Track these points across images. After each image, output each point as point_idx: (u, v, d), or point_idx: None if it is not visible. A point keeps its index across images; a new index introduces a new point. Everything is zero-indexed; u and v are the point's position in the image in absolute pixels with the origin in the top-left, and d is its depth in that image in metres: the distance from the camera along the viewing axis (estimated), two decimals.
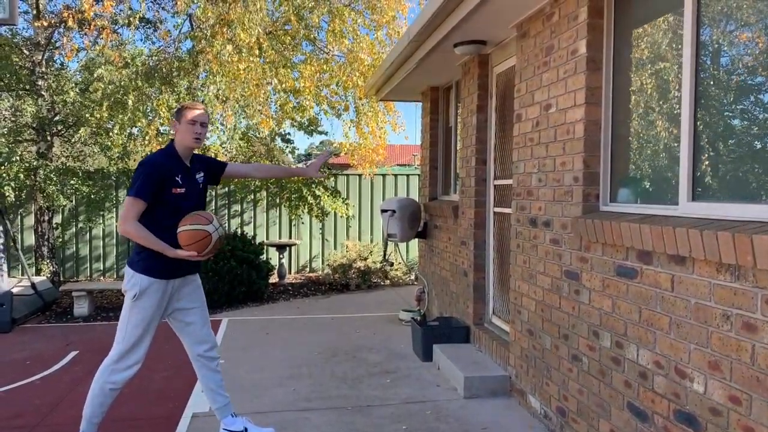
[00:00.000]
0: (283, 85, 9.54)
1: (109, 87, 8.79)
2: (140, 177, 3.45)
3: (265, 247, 9.92)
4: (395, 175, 12.44)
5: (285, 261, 11.23)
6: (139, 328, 3.53)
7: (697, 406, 2.62)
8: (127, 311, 3.55)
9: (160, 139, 9.32)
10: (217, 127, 9.30)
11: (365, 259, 10.53)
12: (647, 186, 3.30)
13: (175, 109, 3.66)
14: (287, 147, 11.38)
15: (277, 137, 10.72)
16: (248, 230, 11.28)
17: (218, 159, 3.94)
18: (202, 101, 9.19)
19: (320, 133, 11.25)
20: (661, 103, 3.19)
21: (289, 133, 10.82)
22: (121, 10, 9.45)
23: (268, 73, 9.13)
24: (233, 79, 8.67)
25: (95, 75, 9.21)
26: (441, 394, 4.81)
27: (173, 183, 3.53)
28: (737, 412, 2.39)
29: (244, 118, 9.71)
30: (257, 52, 8.79)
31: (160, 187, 3.47)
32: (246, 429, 3.87)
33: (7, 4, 5.68)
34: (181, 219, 3.52)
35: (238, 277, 8.72)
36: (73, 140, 10.81)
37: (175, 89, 8.87)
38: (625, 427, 3.17)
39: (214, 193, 11.57)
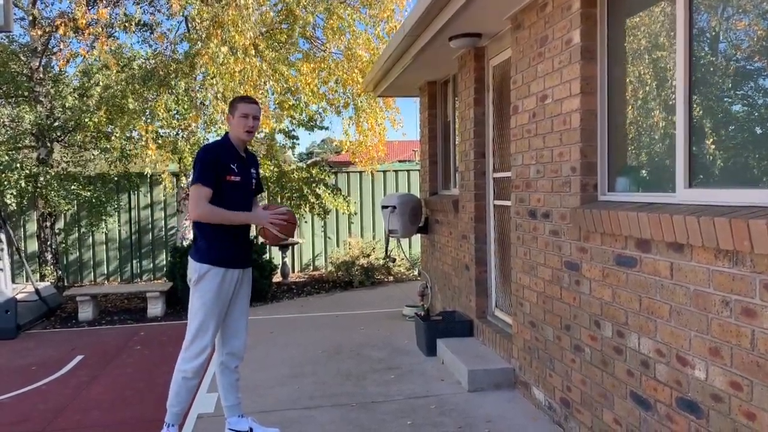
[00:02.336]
0: (281, 84, 9.53)
1: (107, 91, 8.80)
2: (198, 163, 3.56)
3: (267, 246, 9.92)
4: (396, 171, 12.44)
5: (288, 260, 11.25)
6: (200, 312, 3.60)
7: (699, 393, 2.62)
8: (191, 298, 3.65)
9: (160, 141, 9.33)
10: (219, 128, 9.30)
11: (368, 255, 10.53)
12: (645, 174, 3.29)
13: (229, 103, 3.80)
14: (290, 143, 11.35)
15: (280, 133, 10.71)
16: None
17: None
18: (201, 103, 9.20)
19: (321, 128, 11.24)
20: (656, 91, 3.18)
21: (293, 129, 10.79)
22: (116, 15, 9.46)
23: (265, 74, 9.12)
24: (230, 80, 8.67)
25: (92, 81, 9.22)
26: (445, 388, 4.81)
27: (228, 170, 3.62)
28: (738, 398, 2.39)
29: None
30: (253, 52, 8.78)
31: (218, 174, 3.56)
32: (251, 429, 3.89)
33: (1, 11, 5.69)
34: (238, 210, 3.65)
35: None
36: (72, 145, 10.82)
37: (173, 91, 8.87)
38: (629, 416, 3.17)
39: None
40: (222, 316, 3.70)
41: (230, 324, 3.82)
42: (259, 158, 10.16)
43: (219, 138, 3.83)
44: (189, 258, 3.71)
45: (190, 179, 3.70)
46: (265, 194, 11.53)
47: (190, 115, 8.95)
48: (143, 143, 9.22)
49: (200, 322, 3.60)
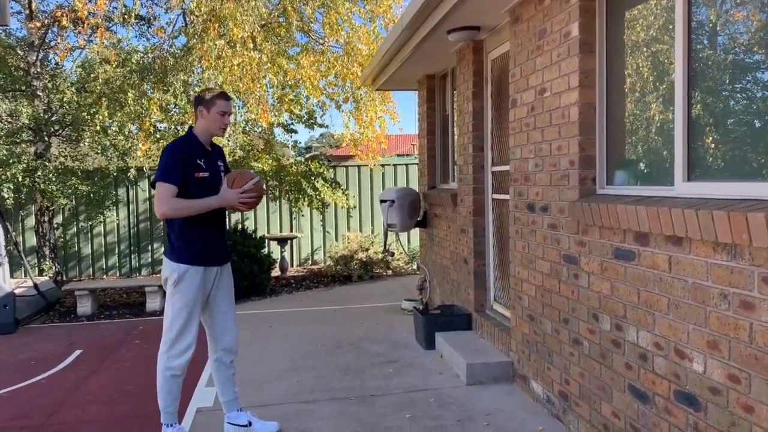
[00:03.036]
0: (281, 77, 9.51)
1: (107, 86, 8.77)
2: (163, 161, 3.51)
3: (266, 240, 9.93)
4: (394, 165, 12.43)
5: (287, 254, 11.25)
6: (183, 312, 3.59)
7: (697, 386, 2.62)
8: (169, 299, 3.62)
9: (158, 136, 9.31)
10: None
11: (367, 249, 10.54)
12: (643, 168, 3.29)
13: (203, 95, 3.67)
14: (290, 138, 11.33)
15: (278, 127, 10.69)
16: (249, 224, 11.28)
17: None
18: None
19: (320, 126, 11.24)
20: (655, 84, 3.17)
21: (291, 123, 10.75)
22: (115, 8, 9.42)
23: (264, 66, 9.09)
24: (228, 74, 8.65)
25: (92, 75, 9.19)
26: (444, 381, 4.82)
27: (196, 166, 3.58)
28: (736, 391, 2.39)
29: (246, 112, 9.67)
30: (251, 45, 8.75)
31: (184, 170, 3.52)
32: (250, 423, 3.89)
33: None
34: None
35: (240, 272, 8.70)
36: (70, 140, 10.80)
37: (171, 86, 8.84)
38: (627, 409, 3.17)
39: None
40: (201, 310, 3.71)
41: (218, 320, 3.80)
42: (256, 151, 10.16)
43: (182, 135, 3.76)
44: (165, 258, 3.67)
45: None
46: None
47: (189, 109, 8.93)
48: (137, 140, 9.20)
49: (184, 321, 3.60)
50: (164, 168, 3.49)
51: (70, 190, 10.04)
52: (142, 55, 9.50)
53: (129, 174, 10.70)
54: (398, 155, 21.34)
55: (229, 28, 8.35)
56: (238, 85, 8.86)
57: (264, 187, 3.69)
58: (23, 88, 10.32)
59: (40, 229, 10.43)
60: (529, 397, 4.39)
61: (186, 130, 3.92)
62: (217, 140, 4.42)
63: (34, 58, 10.25)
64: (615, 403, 3.29)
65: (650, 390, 2.97)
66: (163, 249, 11.61)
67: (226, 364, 3.85)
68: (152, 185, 3.68)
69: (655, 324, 2.90)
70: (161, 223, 11.68)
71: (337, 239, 11.91)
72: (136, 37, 11.21)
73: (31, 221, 11.10)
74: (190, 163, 3.55)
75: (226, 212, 3.83)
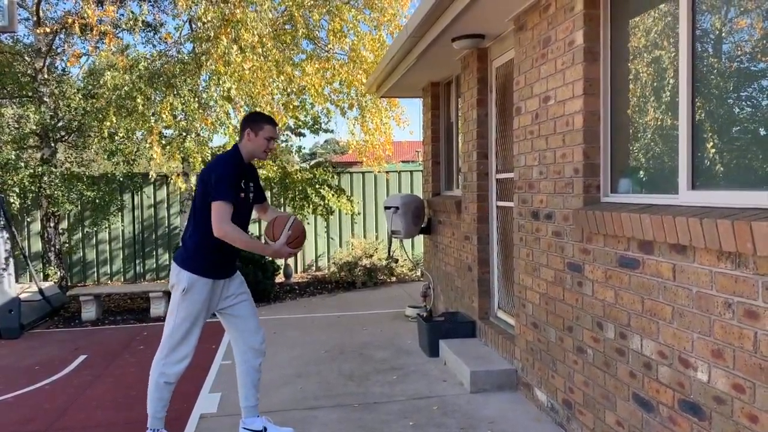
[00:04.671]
0: (290, 85, 9.55)
1: (115, 93, 8.81)
2: (223, 180, 3.53)
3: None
4: (399, 172, 12.43)
5: (291, 260, 11.25)
6: (186, 322, 3.62)
7: (701, 395, 2.62)
8: (175, 306, 3.63)
9: (163, 142, 9.34)
10: (228, 127, 9.31)
11: (371, 256, 10.54)
12: (647, 176, 3.29)
13: (253, 117, 3.75)
14: (295, 144, 11.39)
15: (287, 132, 10.72)
16: (253, 230, 11.30)
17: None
18: (206, 103, 9.20)
19: (326, 131, 11.27)
20: (659, 92, 3.18)
21: (300, 126, 10.79)
22: (122, 15, 9.48)
23: (274, 71, 9.13)
24: (239, 79, 8.69)
25: (101, 81, 9.23)
26: (447, 389, 4.81)
27: (242, 187, 3.68)
28: (741, 400, 2.38)
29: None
30: (260, 50, 8.80)
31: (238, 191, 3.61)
32: (265, 428, 3.90)
33: (6, 12, 5.72)
34: (242, 224, 3.66)
35: (244, 278, 8.72)
36: (77, 146, 10.84)
37: (179, 92, 8.88)
38: (631, 417, 3.17)
39: None
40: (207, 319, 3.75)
41: (244, 324, 3.84)
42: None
43: (229, 150, 3.79)
44: (174, 263, 3.68)
45: (195, 181, 3.69)
46: (268, 194, 11.58)
47: (198, 116, 8.96)
48: (148, 144, 9.23)
49: (187, 330, 3.62)
50: (224, 188, 3.51)
51: (75, 196, 10.08)
52: (149, 61, 9.56)
53: (136, 179, 10.74)
54: (402, 162, 21.38)
55: (240, 33, 8.40)
56: (249, 89, 8.89)
57: (300, 222, 3.78)
58: (30, 94, 10.38)
59: (46, 235, 10.47)
60: (533, 405, 4.37)
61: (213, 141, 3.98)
62: None
63: (42, 64, 10.31)
64: (619, 411, 3.28)
65: (654, 399, 2.96)
66: (167, 255, 11.64)
67: (255, 368, 3.87)
68: (201, 201, 3.70)
69: (659, 332, 2.90)
70: (165, 229, 11.71)
71: (341, 245, 11.92)
72: (142, 44, 11.29)
73: (36, 226, 11.14)
74: (239, 184, 3.65)
75: (248, 225, 3.88)
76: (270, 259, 9.55)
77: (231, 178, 3.56)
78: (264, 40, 8.82)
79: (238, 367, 3.89)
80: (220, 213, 3.50)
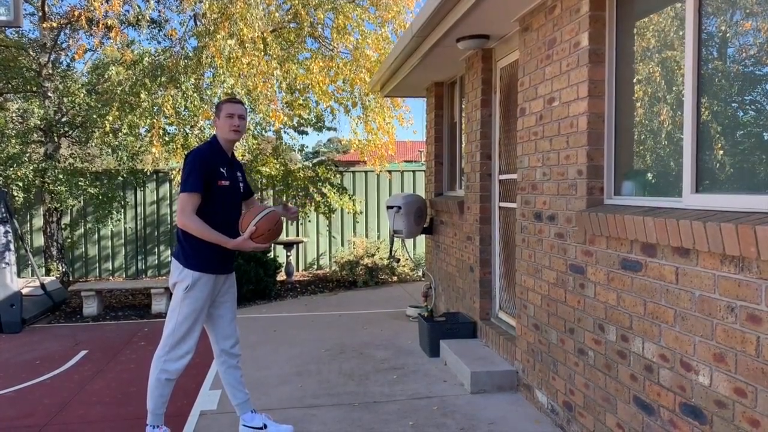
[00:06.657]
0: (290, 82, 9.54)
1: (119, 88, 8.82)
2: (189, 170, 3.53)
3: (272, 244, 9.92)
4: (401, 172, 12.43)
5: (292, 258, 11.25)
6: (189, 319, 3.62)
7: (703, 399, 2.61)
8: (177, 303, 3.63)
9: (166, 138, 9.35)
10: None
11: (372, 255, 10.54)
12: (651, 179, 3.28)
13: (215, 105, 3.80)
14: (299, 141, 11.38)
15: (288, 130, 10.73)
16: None
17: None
18: (209, 99, 9.20)
19: (329, 129, 11.26)
20: (664, 95, 3.17)
21: (302, 124, 10.79)
22: (128, 11, 9.50)
23: (273, 66, 9.11)
24: (238, 74, 8.69)
25: (105, 76, 9.24)
26: (448, 389, 4.81)
27: (219, 175, 3.62)
28: (743, 405, 2.38)
29: (257, 113, 9.70)
30: (262, 47, 8.79)
31: (209, 179, 3.56)
32: (265, 425, 3.90)
33: (11, 7, 5.72)
34: (227, 215, 3.63)
35: (245, 275, 8.74)
36: (80, 141, 10.86)
37: (182, 87, 8.88)
38: (632, 420, 3.16)
39: None
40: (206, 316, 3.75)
41: (220, 326, 3.83)
42: (264, 156, 10.20)
43: (208, 140, 3.79)
44: (175, 261, 3.67)
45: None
46: (270, 192, 11.58)
47: (201, 111, 8.96)
48: (149, 140, 9.24)
49: (189, 327, 3.63)
50: (185, 177, 3.52)
51: (78, 191, 10.09)
52: (153, 57, 9.56)
53: (138, 176, 10.74)
54: (405, 161, 21.35)
55: (239, 27, 8.38)
56: (248, 84, 8.88)
57: (275, 215, 3.61)
58: (34, 89, 10.39)
59: (48, 230, 10.48)
60: (533, 406, 4.37)
61: (196, 133, 3.98)
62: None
63: (46, 59, 10.32)
64: (620, 414, 3.27)
65: (655, 402, 2.95)
66: (169, 252, 11.65)
67: (235, 366, 3.88)
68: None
69: (661, 336, 2.89)
70: (167, 226, 11.73)
71: (342, 244, 11.92)
72: (147, 40, 11.30)
73: (39, 221, 11.16)
74: (214, 170, 3.60)
75: (237, 215, 3.83)
76: (272, 256, 9.56)
77: (199, 170, 3.52)
78: (265, 35, 8.81)
79: (218, 368, 3.91)
80: (182, 204, 3.51)
